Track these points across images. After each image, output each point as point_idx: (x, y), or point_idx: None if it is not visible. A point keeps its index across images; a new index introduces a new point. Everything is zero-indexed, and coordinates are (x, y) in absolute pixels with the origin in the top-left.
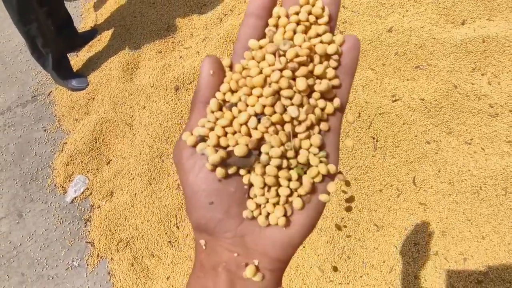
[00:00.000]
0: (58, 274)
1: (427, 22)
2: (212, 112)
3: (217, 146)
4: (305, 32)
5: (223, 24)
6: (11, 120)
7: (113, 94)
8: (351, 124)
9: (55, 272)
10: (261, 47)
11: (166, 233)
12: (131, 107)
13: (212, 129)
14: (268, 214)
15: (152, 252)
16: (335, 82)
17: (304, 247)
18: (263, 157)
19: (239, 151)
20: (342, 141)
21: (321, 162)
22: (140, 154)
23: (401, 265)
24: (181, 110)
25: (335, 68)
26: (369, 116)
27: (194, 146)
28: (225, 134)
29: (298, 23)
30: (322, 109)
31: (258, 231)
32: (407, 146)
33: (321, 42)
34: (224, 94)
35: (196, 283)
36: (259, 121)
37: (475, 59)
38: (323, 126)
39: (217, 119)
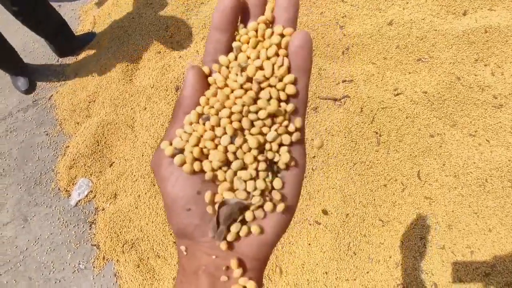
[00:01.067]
0: (65, 277)
1: (428, 13)
2: (190, 123)
3: (194, 160)
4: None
5: None
6: (13, 125)
7: (113, 96)
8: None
9: (62, 276)
10: (229, 62)
11: (171, 234)
12: (132, 108)
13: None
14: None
15: (157, 253)
16: (289, 90)
17: (309, 244)
18: (232, 176)
19: (216, 157)
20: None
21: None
22: (143, 155)
23: (407, 260)
24: None
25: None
26: (372, 110)
27: (172, 157)
28: (200, 145)
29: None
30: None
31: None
32: (410, 140)
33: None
34: (203, 107)
35: (184, 273)
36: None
37: (477, 50)
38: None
39: (194, 131)
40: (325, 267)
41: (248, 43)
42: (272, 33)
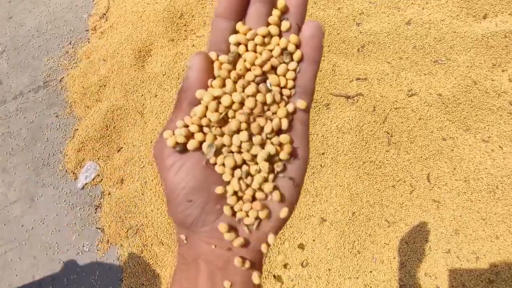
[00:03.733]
0: (69, 258)
1: (448, 15)
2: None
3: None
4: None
5: None
6: (23, 105)
7: (124, 82)
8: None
9: (66, 256)
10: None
11: None
12: (142, 95)
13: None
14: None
15: (161, 240)
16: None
17: (314, 240)
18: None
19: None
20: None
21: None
22: (151, 142)
23: (411, 262)
24: None
25: (298, 61)
26: (384, 110)
27: (174, 147)
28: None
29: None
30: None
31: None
32: (422, 142)
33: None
34: (217, 88)
35: (180, 275)
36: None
37: (496, 55)
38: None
39: (200, 125)
40: (328, 264)
41: (247, 46)
42: (280, 34)
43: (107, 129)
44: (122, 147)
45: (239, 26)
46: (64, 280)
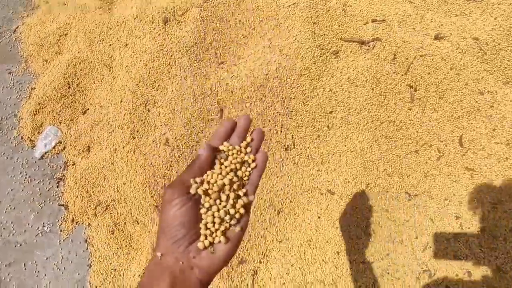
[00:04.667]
0: (26, 240)
1: None
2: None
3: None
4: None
5: None
6: None
7: (88, 29)
8: None
9: (23, 239)
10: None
11: (152, 196)
12: (110, 44)
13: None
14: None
15: (136, 218)
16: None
17: (319, 217)
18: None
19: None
20: None
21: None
22: (121, 101)
23: (438, 243)
24: (171, 48)
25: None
26: (407, 58)
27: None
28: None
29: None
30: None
31: (199, 251)
32: (454, 97)
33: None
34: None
35: (151, 272)
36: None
37: None
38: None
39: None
40: (337, 245)
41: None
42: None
43: (69, 87)
44: (88, 109)
45: (225, 144)
46: (23, 265)
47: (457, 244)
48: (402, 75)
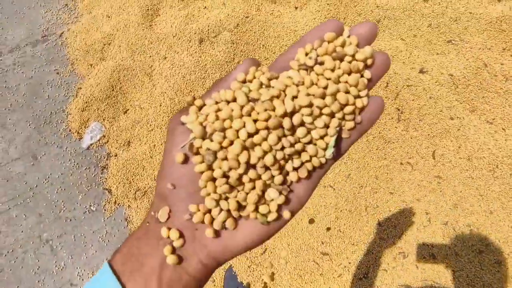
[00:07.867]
0: (75, 216)
1: None
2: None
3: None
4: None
5: None
6: (21, 60)
7: (131, 41)
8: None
9: (73, 215)
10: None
11: None
12: (150, 56)
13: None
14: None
15: None
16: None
17: (318, 200)
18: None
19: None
20: None
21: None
22: (160, 105)
23: (411, 232)
24: (205, 64)
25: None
26: (397, 87)
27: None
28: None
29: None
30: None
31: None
32: (431, 120)
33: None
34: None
35: (134, 244)
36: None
37: (507, 39)
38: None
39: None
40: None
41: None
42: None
43: (112, 90)
44: (128, 109)
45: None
46: (73, 237)
47: (425, 233)
48: (392, 100)
